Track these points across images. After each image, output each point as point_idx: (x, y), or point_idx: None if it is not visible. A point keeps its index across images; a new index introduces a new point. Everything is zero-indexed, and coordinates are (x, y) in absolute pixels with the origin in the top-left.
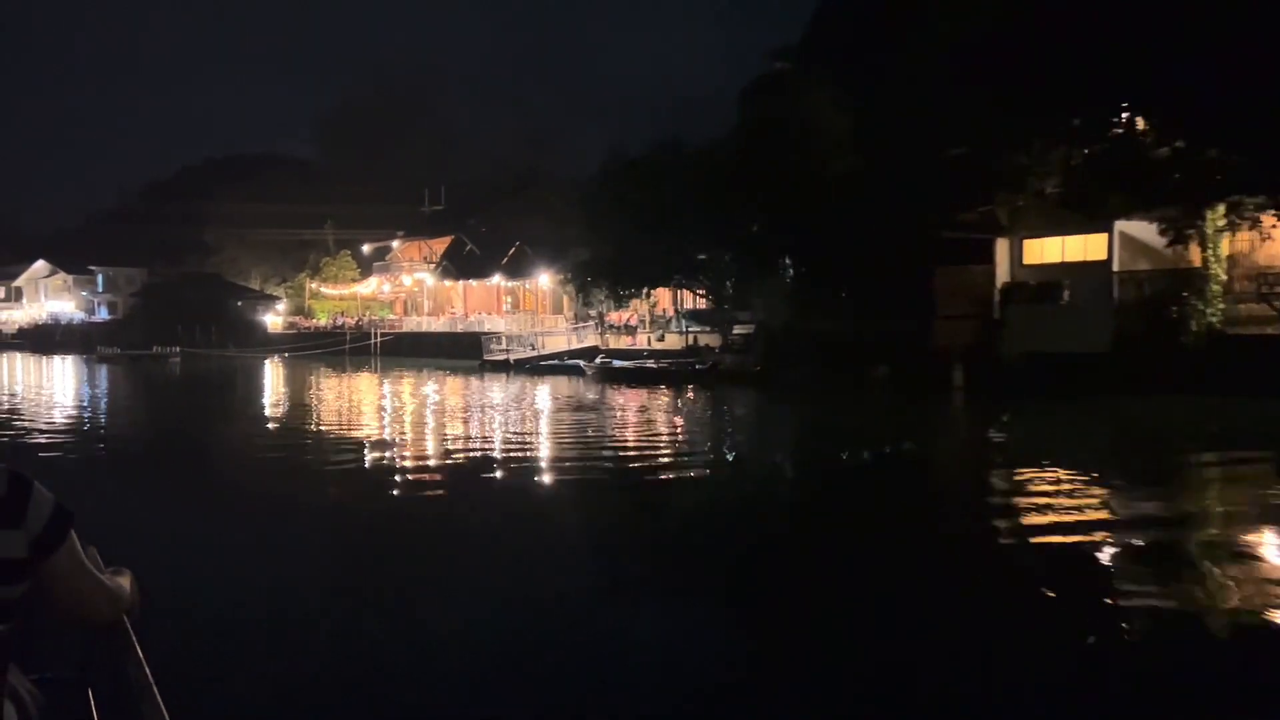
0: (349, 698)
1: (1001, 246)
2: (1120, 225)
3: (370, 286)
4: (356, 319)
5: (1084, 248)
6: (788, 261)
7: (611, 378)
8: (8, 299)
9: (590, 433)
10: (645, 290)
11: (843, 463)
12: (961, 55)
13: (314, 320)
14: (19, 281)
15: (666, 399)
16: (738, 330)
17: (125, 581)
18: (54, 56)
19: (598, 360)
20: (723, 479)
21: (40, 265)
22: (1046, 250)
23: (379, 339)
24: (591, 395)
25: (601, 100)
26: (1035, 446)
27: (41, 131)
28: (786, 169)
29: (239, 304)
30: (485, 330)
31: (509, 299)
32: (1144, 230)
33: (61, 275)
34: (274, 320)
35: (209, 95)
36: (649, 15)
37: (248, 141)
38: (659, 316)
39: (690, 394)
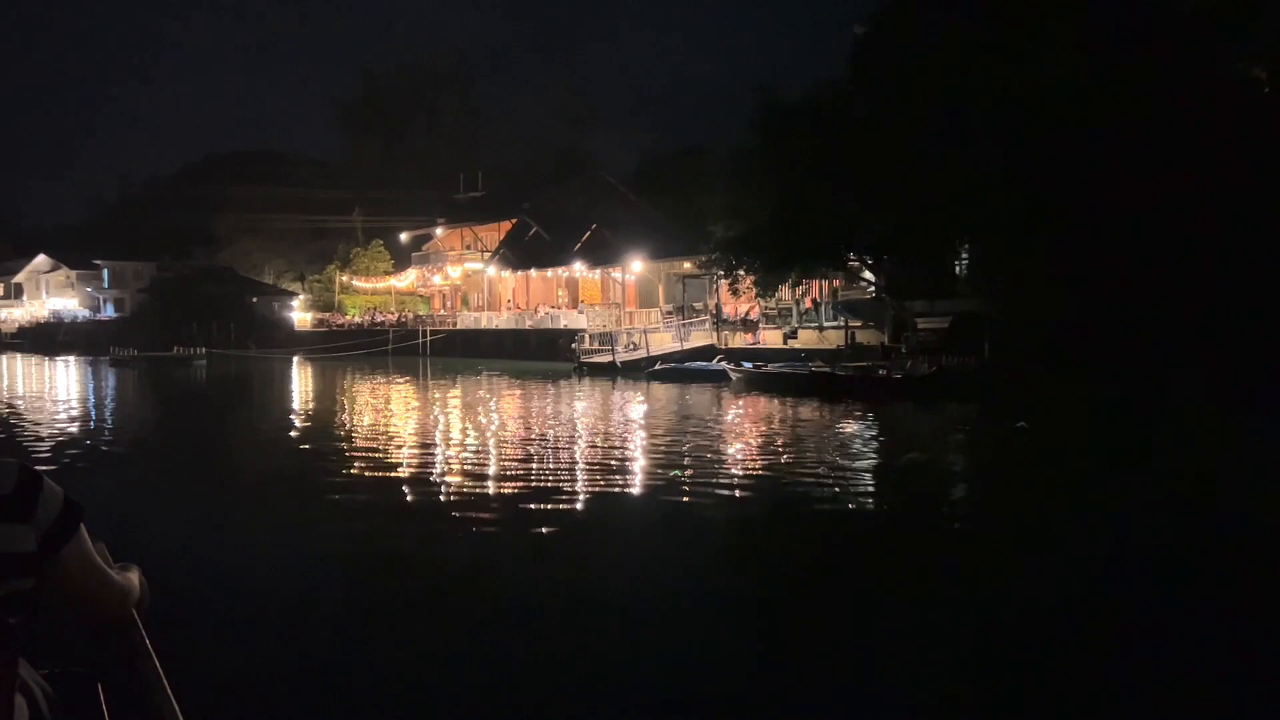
0: None
1: None
2: None
3: (408, 279)
4: (397, 315)
5: None
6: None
7: (773, 388)
8: (7, 296)
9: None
10: (794, 276)
11: None
12: None
13: (347, 317)
14: (19, 278)
15: (914, 428)
16: (924, 324)
17: (134, 577)
18: (54, 50)
19: (746, 365)
20: None
21: (42, 260)
22: None
23: (429, 338)
24: (791, 419)
25: (640, 80)
26: None
27: (40, 127)
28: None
29: (254, 300)
30: (562, 327)
31: (562, 291)
32: None
33: (64, 271)
34: (301, 317)
35: (211, 90)
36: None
37: (251, 136)
38: (784, 309)
39: (940, 420)
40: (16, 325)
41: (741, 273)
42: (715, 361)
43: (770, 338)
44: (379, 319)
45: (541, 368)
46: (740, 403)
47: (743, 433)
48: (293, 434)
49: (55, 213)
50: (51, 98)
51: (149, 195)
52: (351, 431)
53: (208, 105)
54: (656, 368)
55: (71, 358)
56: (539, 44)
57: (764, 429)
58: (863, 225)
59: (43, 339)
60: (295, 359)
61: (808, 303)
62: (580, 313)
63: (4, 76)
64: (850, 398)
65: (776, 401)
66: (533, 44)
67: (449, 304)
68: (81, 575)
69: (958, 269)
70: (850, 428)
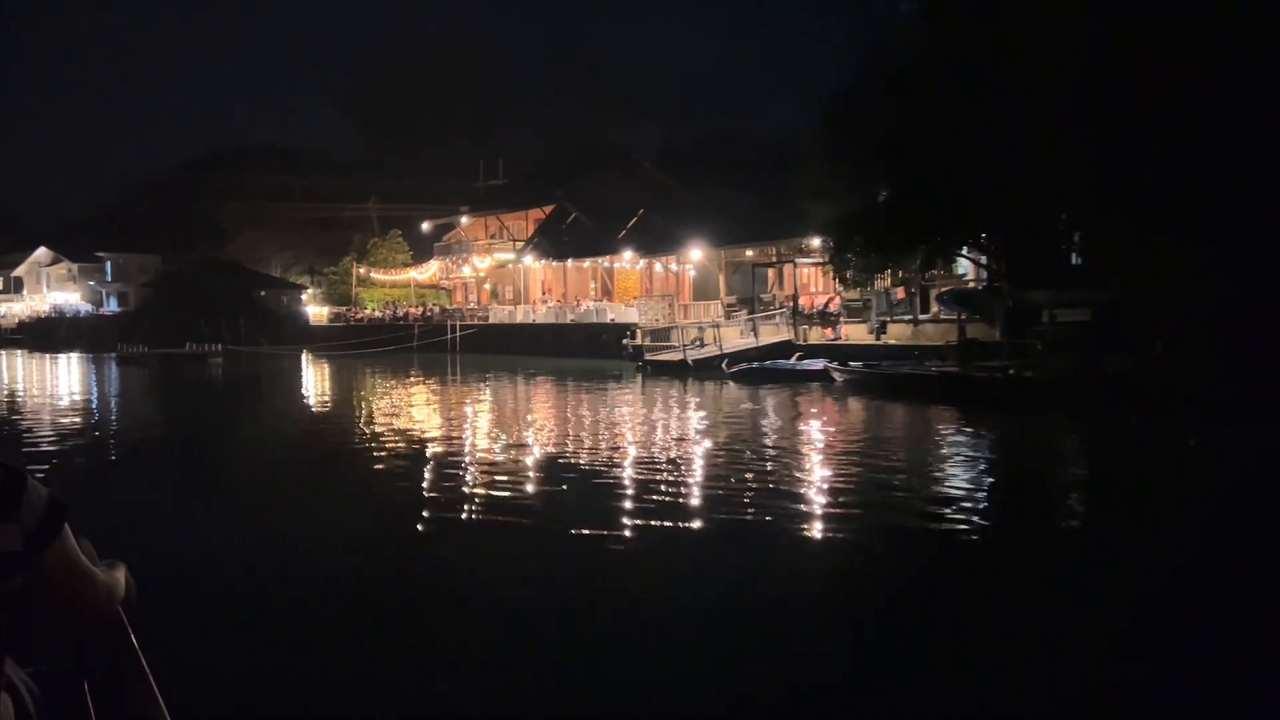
0: None
1: None
2: None
3: (429, 271)
4: (422, 309)
5: None
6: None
7: (891, 392)
8: (7, 290)
9: None
10: (920, 260)
11: None
12: None
13: (366, 311)
14: (19, 271)
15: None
16: (1063, 317)
17: (120, 574)
18: (55, 45)
19: (854, 364)
20: None
21: (42, 253)
22: None
23: (458, 333)
24: (966, 439)
25: (661, 66)
26: None
27: (39, 122)
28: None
29: (263, 294)
30: (608, 321)
31: (593, 284)
32: None
33: (66, 264)
34: (316, 311)
35: (213, 85)
36: None
37: (255, 131)
38: (867, 300)
39: (1151, 443)
40: (16, 320)
41: (852, 257)
42: (795, 359)
43: (853, 332)
44: (401, 313)
45: (588, 366)
46: (871, 410)
47: (962, 467)
48: (358, 449)
49: (56, 208)
50: (50, 92)
51: (150, 189)
52: (434, 449)
53: (210, 100)
54: (737, 367)
55: (75, 355)
56: (555, 30)
57: (961, 455)
58: (990, 201)
59: (44, 335)
60: (311, 356)
61: (899, 293)
62: (630, 305)
63: (2, 71)
64: (992, 405)
65: (904, 410)
66: (549, 31)
67: (471, 297)
68: (67, 574)
69: (1073, 255)
70: (1074, 457)
